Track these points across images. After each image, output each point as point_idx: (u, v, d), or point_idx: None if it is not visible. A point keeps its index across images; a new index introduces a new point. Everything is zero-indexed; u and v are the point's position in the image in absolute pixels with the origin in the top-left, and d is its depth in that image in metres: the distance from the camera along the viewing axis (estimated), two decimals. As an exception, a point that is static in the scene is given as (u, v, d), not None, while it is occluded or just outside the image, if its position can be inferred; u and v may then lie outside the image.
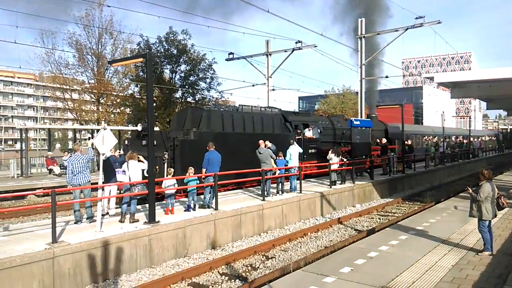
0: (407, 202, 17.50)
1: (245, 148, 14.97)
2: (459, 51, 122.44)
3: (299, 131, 18.72)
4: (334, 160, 16.11)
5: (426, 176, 23.64)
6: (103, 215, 9.14)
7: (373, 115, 27.58)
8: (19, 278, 6.67)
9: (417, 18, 23.21)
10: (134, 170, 9.68)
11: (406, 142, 23.16)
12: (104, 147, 8.95)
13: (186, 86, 31.76)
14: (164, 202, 11.15)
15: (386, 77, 28.77)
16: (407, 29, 23.99)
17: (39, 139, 67.53)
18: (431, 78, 15.51)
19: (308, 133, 19.06)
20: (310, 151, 18.75)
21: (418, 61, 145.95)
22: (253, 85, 29.11)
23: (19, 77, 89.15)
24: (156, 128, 22.20)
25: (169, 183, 10.52)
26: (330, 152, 16.49)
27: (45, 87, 32.24)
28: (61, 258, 7.22)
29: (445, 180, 25.34)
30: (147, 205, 9.92)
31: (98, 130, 9.72)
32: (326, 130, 20.78)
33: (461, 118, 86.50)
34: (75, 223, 9.19)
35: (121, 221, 9.40)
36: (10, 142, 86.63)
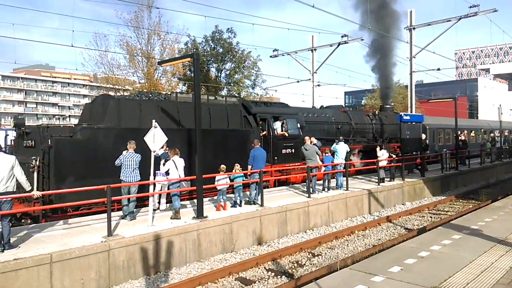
0: (460, 200, 16.75)
1: (180, 150, 11.04)
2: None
3: (270, 127, 14.99)
4: (384, 156, 15.71)
5: (482, 173, 22.48)
6: (154, 210, 9.49)
7: (387, 106, 25.30)
8: (78, 268, 7.10)
9: (471, 7, 22.06)
10: (181, 167, 9.93)
11: (459, 138, 22.12)
12: (155, 145, 9.29)
13: (231, 84, 32.17)
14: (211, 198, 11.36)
15: (438, 69, 27.60)
16: (460, 18, 22.87)
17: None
18: (487, 70, 14.71)
19: (279, 127, 15.28)
20: (284, 151, 15.08)
21: (473, 52, 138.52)
22: (297, 81, 29.02)
23: (75, 79, 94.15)
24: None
25: (220, 179, 10.71)
26: (378, 148, 16.11)
27: (99, 88, 33.76)
28: (116, 251, 7.60)
29: (502, 177, 23.96)
30: (195, 201, 10.18)
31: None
32: (315, 125, 17.66)
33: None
34: (122, 218, 9.33)
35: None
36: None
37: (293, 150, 15.35)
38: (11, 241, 7.22)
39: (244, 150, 12.82)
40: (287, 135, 15.22)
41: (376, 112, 22.82)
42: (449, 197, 17.18)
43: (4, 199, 7.02)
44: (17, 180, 7.25)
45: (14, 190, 7.22)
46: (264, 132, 14.83)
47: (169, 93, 14.45)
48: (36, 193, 7.50)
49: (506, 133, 35.76)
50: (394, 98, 47.27)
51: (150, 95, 12.97)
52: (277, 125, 15.19)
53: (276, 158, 14.80)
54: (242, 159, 11.77)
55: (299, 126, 15.80)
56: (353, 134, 19.67)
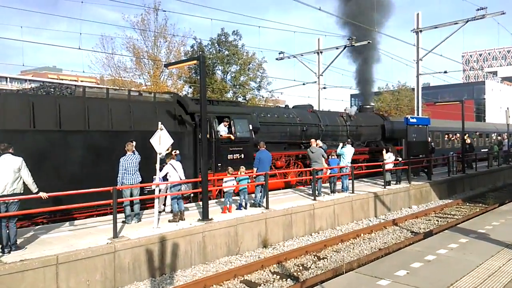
0: (467, 204, 16.62)
1: (82, 157, 9.95)
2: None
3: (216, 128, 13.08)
4: (391, 159, 15.64)
5: (489, 176, 22.29)
6: (159, 212, 9.51)
7: (368, 106, 23.47)
8: (83, 270, 7.12)
9: (478, 9, 21.90)
10: (180, 169, 9.94)
11: (466, 141, 21.96)
12: (160, 147, 9.33)
13: (237, 86, 32.22)
14: (215, 200, 11.37)
15: (445, 72, 27.34)
16: (467, 21, 22.69)
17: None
18: (495, 73, 14.63)
19: (224, 129, 13.32)
20: (230, 156, 13.11)
21: (480, 55, 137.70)
22: (303, 84, 28.93)
23: (82, 81, 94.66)
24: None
25: (228, 182, 10.71)
26: (385, 151, 16.04)
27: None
28: (122, 253, 7.62)
29: (510, 180, 23.74)
30: (200, 203, 10.19)
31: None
32: (274, 127, 15.78)
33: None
34: (123, 222, 9.23)
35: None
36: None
37: (242, 156, 13.27)
38: (17, 242, 7.27)
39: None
40: (233, 138, 13.29)
41: (347, 112, 20.37)
42: (455, 200, 17.05)
43: (11, 201, 7.07)
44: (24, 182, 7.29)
45: (21, 191, 7.27)
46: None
47: (74, 86, 12.00)
48: (43, 195, 7.54)
49: None
50: (401, 101, 47.21)
51: (52, 90, 10.91)
52: (222, 126, 13.30)
53: (219, 164, 12.67)
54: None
55: (251, 128, 13.87)
56: (322, 137, 17.43)
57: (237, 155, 13.39)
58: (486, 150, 26.51)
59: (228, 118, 13.44)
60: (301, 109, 18.43)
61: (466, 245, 7.86)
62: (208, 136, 11.77)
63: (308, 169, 13.08)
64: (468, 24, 22.92)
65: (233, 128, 13.43)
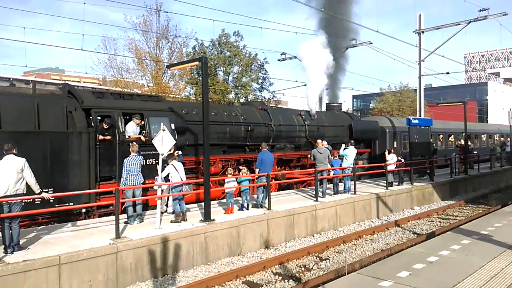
0: (470, 205, 16.59)
1: None
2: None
3: (108, 126, 10.60)
4: (393, 161, 15.62)
5: (491, 177, 22.22)
6: (161, 212, 9.53)
7: (335, 104, 21.25)
8: (86, 270, 7.14)
9: (480, 10, 21.90)
10: (181, 170, 9.96)
11: (459, 142, 21.93)
12: (163, 148, 9.35)
13: (239, 87, 32.22)
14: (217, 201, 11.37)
15: (447, 73, 27.36)
16: (469, 22, 22.70)
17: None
18: (497, 74, 14.58)
19: (132, 129, 11.14)
20: (144, 162, 10.14)
21: (482, 56, 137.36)
22: (305, 85, 28.94)
23: (84, 82, 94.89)
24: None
25: (229, 183, 10.73)
26: (387, 151, 16.02)
27: (108, 91, 34.02)
28: (124, 253, 7.63)
29: (513, 182, 23.67)
30: (202, 204, 10.19)
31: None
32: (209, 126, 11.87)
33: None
34: (126, 223, 9.24)
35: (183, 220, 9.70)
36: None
37: (155, 161, 10.69)
38: (20, 243, 7.29)
39: (60, 163, 9.41)
40: (143, 139, 11.02)
41: (308, 110, 18.41)
42: (458, 201, 17.01)
43: (14, 201, 7.09)
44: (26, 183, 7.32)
45: (24, 192, 7.29)
46: (107, 136, 10.52)
47: None
48: (46, 196, 7.56)
49: None
50: (403, 102, 47.14)
51: None
52: (131, 125, 11.10)
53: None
54: (54, 176, 9.19)
55: (173, 127, 11.57)
56: (274, 138, 15.53)
57: (153, 160, 10.90)
58: (476, 152, 25.16)
59: (140, 116, 11.26)
60: (250, 106, 16.38)
61: (469, 247, 7.84)
62: (109, 137, 10.54)
63: (257, 174, 11.52)
64: (471, 25, 22.95)
65: (147, 128, 11.25)
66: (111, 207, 10.26)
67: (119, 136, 10.73)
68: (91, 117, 10.48)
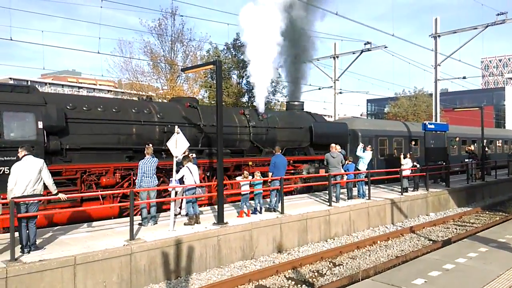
0: (487, 212, 16.29)
1: None
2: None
3: None
4: (408, 165, 15.44)
5: (509, 184, 21.80)
6: (175, 215, 9.57)
7: (295, 102, 18.00)
8: (100, 271, 7.20)
9: (498, 14, 21.58)
10: (196, 173, 10.00)
11: (469, 148, 21.55)
12: (177, 150, 9.42)
13: (253, 90, 32.28)
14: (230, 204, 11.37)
15: (464, 77, 27.01)
16: (487, 26, 22.38)
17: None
18: (516, 78, 14.29)
19: None
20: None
21: (500, 60, 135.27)
22: (319, 88, 28.90)
23: (100, 84, 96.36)
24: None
25: (244, 186, 10.74)
26: (402, 156, 15.85)
27: (123, 93, 34.45)
28: (138, 255, 7.68)
29: (531, 189, 23.17)
30: (215, 206, 10.21)
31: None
32: (102, 126, 10.78)
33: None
34: (140, 225, 9.27)
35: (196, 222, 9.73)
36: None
37: (7, 169, 8.44)
38: (37, 243, 7.40)
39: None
40: None
41: (254, 109, 15.80)
42: (475, 208, 16.73)
43: (31, 201, 7.21)
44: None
45: (41, 193, 7.41)
46: None
47: None
48: (62, 196, 7.67)
49: None
50: (418, 106, 46.62)
51: None
52: None
53: None
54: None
55: (40, 126, 9.41)
56: (203, 141, 12.85)
57: (2, 167, 8.79)
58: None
59: None
60: (174, 103, 13.70)
61: (486, 254, 7.69)
62: None
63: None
64: (488, 29, 22.63)
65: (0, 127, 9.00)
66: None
67: None
68: None
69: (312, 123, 16.38)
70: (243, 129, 14.13)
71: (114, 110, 11.18)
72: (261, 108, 15.33)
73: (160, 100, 27.33)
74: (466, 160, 20.68)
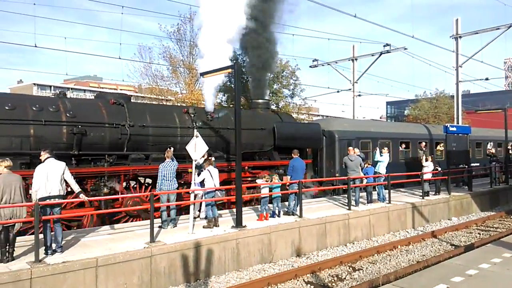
0: (511, 217, 15.85)
1: None
2: None
3: None
4: (430, 169, 15.18)
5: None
6: (194, 218, 9.65)
7: (259, 100, 15.93)
8: (121, 273, 7.31)
9: (522, 13, 21.06)
10: (216, 176, 10.05)
11: (490, 151, 21.04)
12: (196, 154, 9.51)
13: (270, 94, 32.30)
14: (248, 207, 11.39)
15: (486, 79, 26.41)
16: (510, 26, 21.86)
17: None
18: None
19: None
20: None
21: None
22: (337, 91, 28.67)
23: (121, 89, 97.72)
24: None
25: (263, 188, 10.75)
26: (424, 159, 15.57)
27: (143, 98, 34.97)
28: (158, 257, 7.77)
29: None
30: (234, 210, 10.25)
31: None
32: None
33: None
34: (160, 227, 9.36)
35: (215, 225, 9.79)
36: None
37: None
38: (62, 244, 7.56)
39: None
40: None
41: (202, 107, 14.22)
42: (499, 213, 16.31)
43: (56, 203, 7.38)
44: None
45: (64, 194, 7.59)
46: None
47: None
48: (84, 198, 7.83)
49: None
50: (440, 108, 45.77)
51: None
52: None
53: None
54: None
55: None
56: (129, 145, 11.09)
57: None
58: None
59: None
60: (94, 99, 12.07)
61: (511, 261, 7.50)
62: None
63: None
64: (511, 29, 22.07)
65: None
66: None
67: None
68: None
69: (275, 123, 14.43)
70: (185, 130, 12.03)
71: (7, 107, 9.49)
72: (209, 106, 12.98)
73: (179, 104, 27.62)
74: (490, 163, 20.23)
